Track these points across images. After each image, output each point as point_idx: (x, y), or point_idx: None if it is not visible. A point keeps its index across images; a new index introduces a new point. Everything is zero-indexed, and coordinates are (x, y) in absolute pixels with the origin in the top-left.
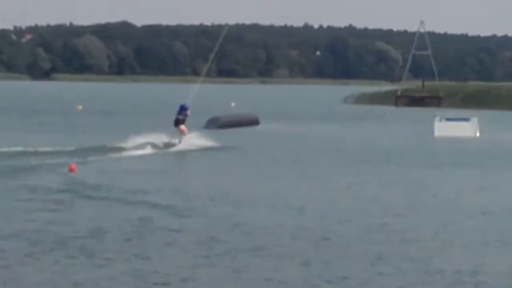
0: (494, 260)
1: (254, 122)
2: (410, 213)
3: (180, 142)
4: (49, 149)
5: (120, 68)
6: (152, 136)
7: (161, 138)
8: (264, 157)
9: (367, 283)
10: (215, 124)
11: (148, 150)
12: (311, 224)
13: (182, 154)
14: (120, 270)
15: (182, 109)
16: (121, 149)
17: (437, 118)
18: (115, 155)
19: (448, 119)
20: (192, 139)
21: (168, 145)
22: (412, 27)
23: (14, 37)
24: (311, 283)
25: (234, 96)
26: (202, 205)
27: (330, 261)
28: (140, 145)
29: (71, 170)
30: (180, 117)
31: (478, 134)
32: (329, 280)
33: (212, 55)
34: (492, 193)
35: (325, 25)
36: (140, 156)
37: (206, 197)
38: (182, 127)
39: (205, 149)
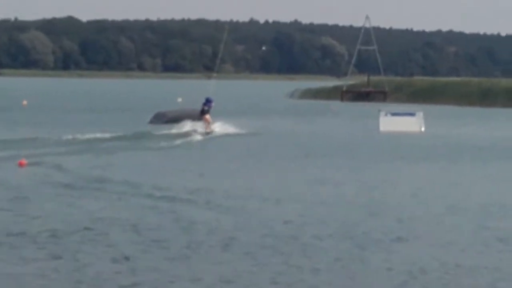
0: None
1: (200, 117)
2: (376, 209)
3: (206, 130)
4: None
5: (65, 64)
6: (187, 124)
7: (192, 126)
8: (222, 152)
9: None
10: (161, 119)
11: (198, 136)
12: (274, 219)
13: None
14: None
15: (208, 101)
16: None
17: (382, 113)
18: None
19: (393, 114)
20: (217, 127)
21: (198, 132)
22: (358, 22)
23: None
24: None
25: (181, 91)
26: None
27: (307, 258)
28: (185, 132)
29: (21, 165)
30: (206, 108)
31: (423, 129)
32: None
33: (220, 54)
34: (447, 187)
35: (270, 20)
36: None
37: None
38: (207, 116)
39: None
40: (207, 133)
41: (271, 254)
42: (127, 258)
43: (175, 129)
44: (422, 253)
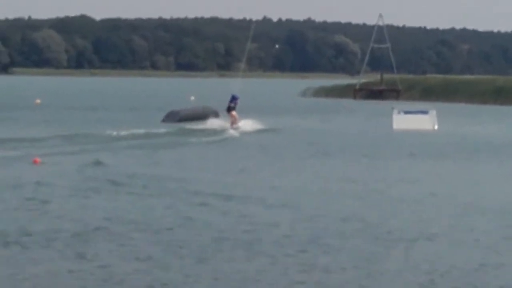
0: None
1: (213, 115)
2: (395, 208)
3: (231, 125)
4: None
5: (78, 62)
6: (216, 121)
7: (219, 123)
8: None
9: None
10: (174, 117)
11: (234, 133)
12: (294, 216)
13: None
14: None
15: (234, 98)
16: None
17: (395, 111)
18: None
19: (406, 112)
20: (245, 123)
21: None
22: (371, 20)
23: None
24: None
25: (194, 89)
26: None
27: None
28: (214, 129)
29: (35, 163)
30: (232, 105)
31: (436, 127)
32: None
33: (246, 50)
34: (464, 185)
35: (284, 19)
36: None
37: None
38: (234, 113)
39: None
40: (234, 129)
41: (291, 253)
42: (147, 258)
43: (203, 126)
44: (443, 252)
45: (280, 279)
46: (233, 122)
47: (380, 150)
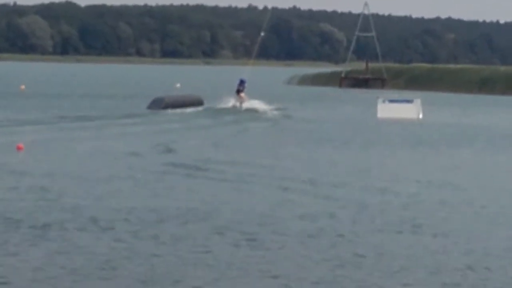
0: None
1: (198, 103)
2: (398, 197)
3: (240, 105)
4: None
5: (64, 48)
6: (231, 101)
7: (233, 103)
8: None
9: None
10: (159, 105)
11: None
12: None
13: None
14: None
15: (242, 82)
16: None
17: (380, 100)
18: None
19: (391, 101)
20: (255, 104)
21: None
22: (357, 9)
23: None
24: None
25: (179, 77)
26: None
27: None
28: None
29: (19, 149)
30: (240, 88)
31: (420, 116)
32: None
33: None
34: (449, 173)
35: (269, 6)
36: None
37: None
38: (242, 94)
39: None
40: (244, 108)
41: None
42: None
43: (222, 105)
44: (461, 244)
45: (295, 267)
46: (242, 103)
47: (374, 139)
